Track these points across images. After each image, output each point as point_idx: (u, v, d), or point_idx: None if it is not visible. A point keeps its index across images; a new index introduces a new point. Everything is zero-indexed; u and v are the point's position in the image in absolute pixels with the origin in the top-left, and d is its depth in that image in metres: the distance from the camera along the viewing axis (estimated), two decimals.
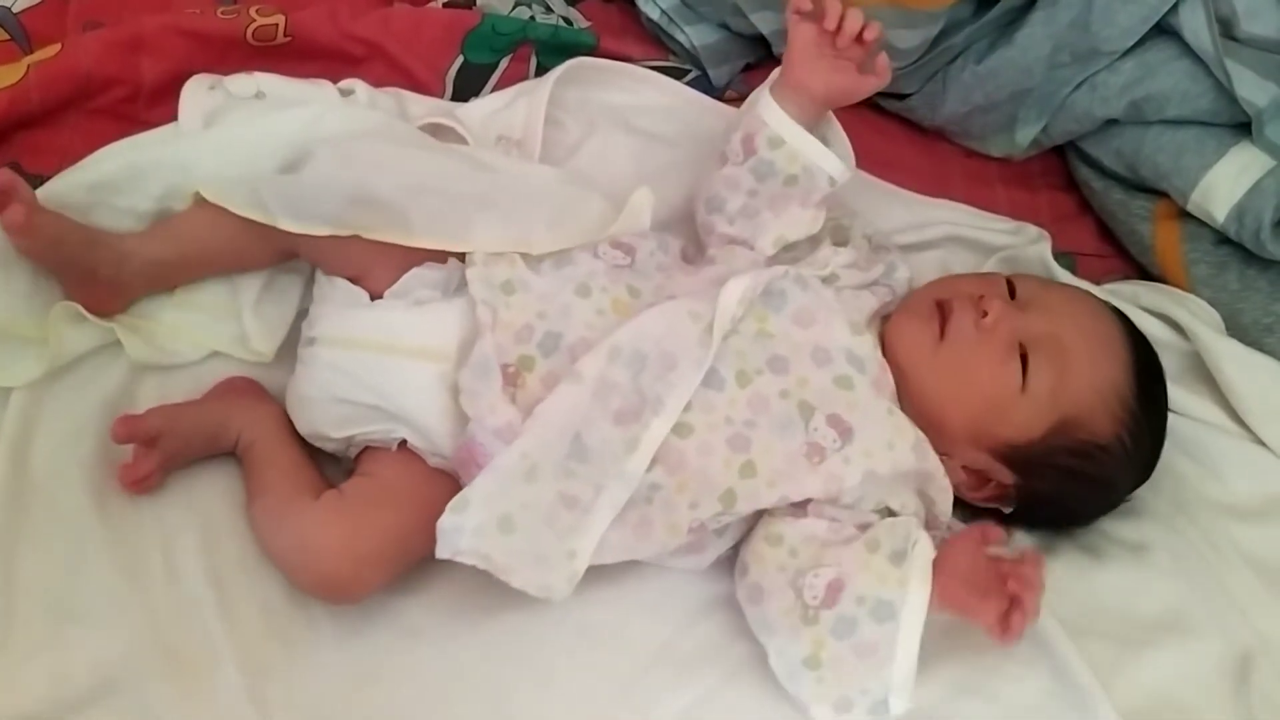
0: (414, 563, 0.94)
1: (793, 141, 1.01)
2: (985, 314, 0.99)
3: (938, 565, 0.91)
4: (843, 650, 0.90)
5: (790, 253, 1.05)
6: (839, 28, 0.98)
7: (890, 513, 0.98)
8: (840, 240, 1.08)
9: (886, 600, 0.90)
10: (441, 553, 0.88)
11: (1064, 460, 1.00)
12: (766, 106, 1.02)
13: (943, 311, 1.01)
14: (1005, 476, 1.02)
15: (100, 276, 0.98)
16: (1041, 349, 0.99)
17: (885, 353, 1.01)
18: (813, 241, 1.05)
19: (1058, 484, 1.01)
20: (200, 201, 0.99)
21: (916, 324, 1.01)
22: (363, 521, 0.92)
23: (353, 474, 0.98)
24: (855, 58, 1.00)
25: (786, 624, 0.92)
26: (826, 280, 1.02)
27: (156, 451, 0.94)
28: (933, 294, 1.04)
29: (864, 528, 0.96)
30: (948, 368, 0.99)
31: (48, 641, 0.88)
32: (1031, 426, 0.99)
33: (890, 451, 0.96)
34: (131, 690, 0.88)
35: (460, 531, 0.88)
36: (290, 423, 1.00)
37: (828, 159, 1.02)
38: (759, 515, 0.98)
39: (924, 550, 0.91)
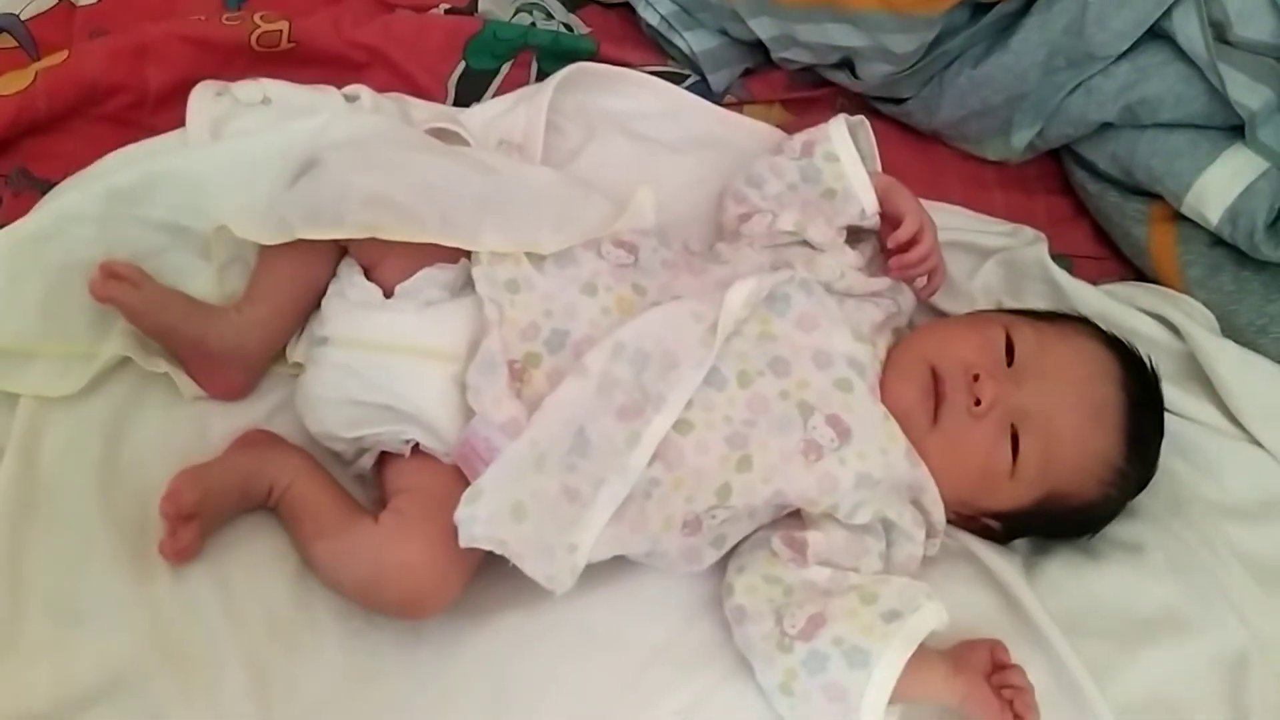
0: (479, 566, 0.94)
1: (846, 164, 1.08)
2: (978, 401, 0.98)
3: (959, 660, 0.93)
4: (811, 687, 0.90)
5: (804, 249, 1.06)
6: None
7: (889, 524, 0.98)
8: (853, 242, 1.09)
9: (864, 649, 0.90)
10: (463, 542, 0.89)
11: (1051, 516, 1.02)
12: (837, 129, 1.10)
13: (937, 389, 0.99)
14: (993, 523, 1.04)
15: (213, 350, 0.99)
16: (1032, 428, 0.98)
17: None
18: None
19: (1045, 526, 1.04)
20: (261, 252, 1.00)
21: (911, 396, 1.00)
22: (434, 534, 0.91)
23: (389, 494, 0.98)
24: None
25: (763, 649, 0.93)
26: (831, 287, 1.02)
27: (195, 521, 0.93)
28: (928, 357, 1.01)
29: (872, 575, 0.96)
30: (939, 449, 0.99)
31: (54, 642, 0.89)
32: (1019, 500, 1.01)
33: (884, 456, 0.96)
34: (136, 689, 0.89)
35: (475, 520, 0.89)
36: (318, 462, 1.00)
37: (868, 194, 1.07)
38: (755, 527, 0.98)
39: (923, 619, 0.91)
